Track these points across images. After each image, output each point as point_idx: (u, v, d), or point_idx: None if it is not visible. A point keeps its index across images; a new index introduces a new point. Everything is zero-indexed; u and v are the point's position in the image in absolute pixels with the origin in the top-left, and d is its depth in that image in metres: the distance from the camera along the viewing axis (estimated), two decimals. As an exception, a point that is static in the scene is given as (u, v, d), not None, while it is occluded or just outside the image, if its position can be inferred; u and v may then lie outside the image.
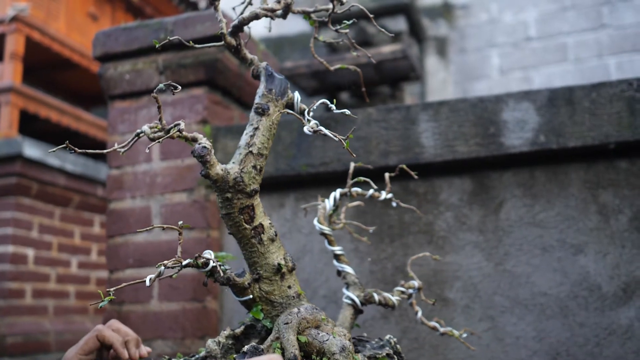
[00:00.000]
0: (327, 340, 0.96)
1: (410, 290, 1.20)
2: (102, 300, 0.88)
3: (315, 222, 1.18)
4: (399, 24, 4.46)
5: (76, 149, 0.88)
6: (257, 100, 1.06)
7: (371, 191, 1.22)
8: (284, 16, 1.07)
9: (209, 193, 1.84)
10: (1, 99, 3.69)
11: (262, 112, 1.05)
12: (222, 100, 1.97)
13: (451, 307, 1.64)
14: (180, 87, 0.93)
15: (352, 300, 1.14)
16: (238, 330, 1.02)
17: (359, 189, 1.22)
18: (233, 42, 1.07)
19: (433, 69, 5.40)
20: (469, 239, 1.66)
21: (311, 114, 1.01)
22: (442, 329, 1.22)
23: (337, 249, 1.18)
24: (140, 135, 0.91)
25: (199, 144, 0.96)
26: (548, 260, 1.59)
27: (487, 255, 1.64)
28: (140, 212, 1.89)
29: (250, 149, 1.02)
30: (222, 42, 1.08)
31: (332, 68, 1.17)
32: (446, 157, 1.66)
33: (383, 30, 1.10)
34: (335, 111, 1.00)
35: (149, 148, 0.90)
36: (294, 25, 4.64)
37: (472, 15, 5.52)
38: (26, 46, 3.90)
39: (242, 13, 1.09)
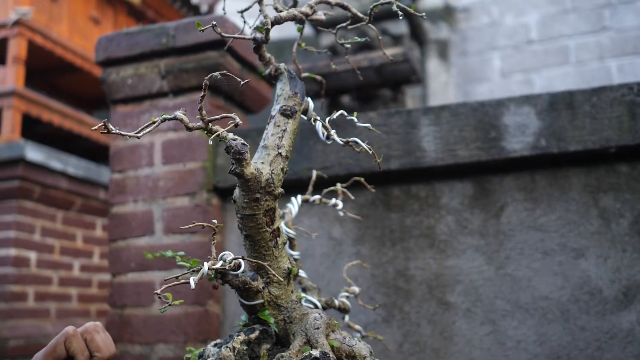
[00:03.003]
0: (355, 344, 0.96)
1: (352, 295, 1.28)
2: (167, 305, 0.85)
3: (282, 225, 1.20)
4: (400, 27, 4.46)
5: (111, 127, 0.85)
6: (282, 102, 1.06)
7: (333, 200, 1.29)
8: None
9: (210, 197, 1.85)
10: (4, 103, 3.70)
11: (290, 114, 1.04)
12: (223, 104, 1.98)
13: (452, 310, 1.64)
14: (241, 81, 0.93)
15: (314, 304, 1.15)
16: (253, 335, 1.00)
17: (318, 196, 1.29)
18: (269, 38, 1.06)
19: (434, 72, 5.40)
20: (470, 243, 1.67)
21: (319, 123, 1.03)
22: (363, 332, 1.29)
23: (296, 254, 1.22)
24: (167, 119, 0.90)
25: (234, 139, 0.92)
26: (549, 264, 1.60)
27: (488, 259, 1.64)
28: (142, 216, 1.90)
29: (280, 150, 1.01)
30: (251, 37, 1.08)
31: (303, 75, 1.21)
32: (447, 161, 1.67)
33: (384, 52, 1.12)
34: (359, 124, 1.02)
35: (211, 140, 0.89)
36: (295, 28, 4.64)
37: (473, 18, 5.52)
38: (28, 50, 3.91)
39: (241, 13, 1.11)
